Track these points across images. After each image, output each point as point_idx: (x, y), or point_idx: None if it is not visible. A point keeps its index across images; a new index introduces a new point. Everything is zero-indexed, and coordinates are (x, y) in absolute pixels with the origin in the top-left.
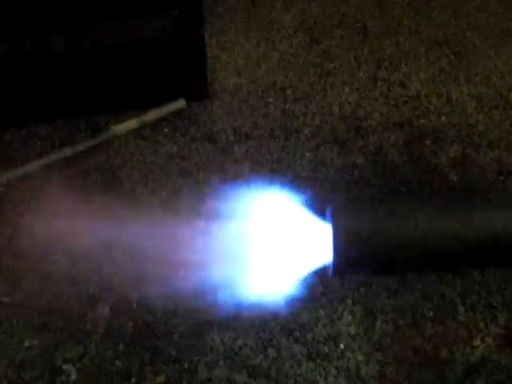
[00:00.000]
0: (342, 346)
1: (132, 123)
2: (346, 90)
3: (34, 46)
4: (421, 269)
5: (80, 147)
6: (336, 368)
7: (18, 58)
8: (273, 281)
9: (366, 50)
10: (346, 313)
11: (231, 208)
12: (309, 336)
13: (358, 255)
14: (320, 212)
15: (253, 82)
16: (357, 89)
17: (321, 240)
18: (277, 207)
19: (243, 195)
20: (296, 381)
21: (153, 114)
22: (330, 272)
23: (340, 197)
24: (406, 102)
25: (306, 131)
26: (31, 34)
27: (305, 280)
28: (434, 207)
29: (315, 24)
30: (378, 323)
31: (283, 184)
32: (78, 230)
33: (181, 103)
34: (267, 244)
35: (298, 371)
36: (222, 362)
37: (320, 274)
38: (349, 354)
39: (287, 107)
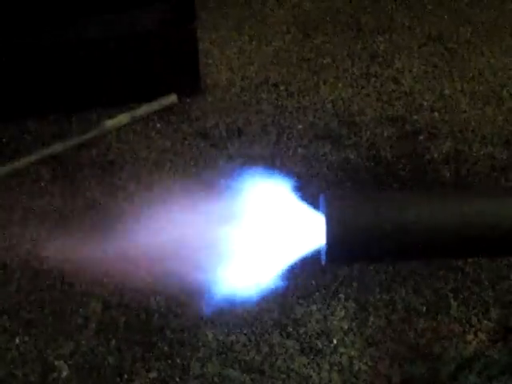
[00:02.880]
0: (334, 341)
1: (123, 118)
2: (339, 85)
3: (23, 40)
4: (415, 257)
5: (71, 142)
6: (329, 363)
7: (7, 53)
8: (264, 274)
9: (359, 45)
10: (338, 308)
11: (224, 202)
12: (302, 331)
13: (351, 242)
14: (313, 202)
15: (245, 77)
16: (350, 85)
17: (314, 229)
18: (269, 199)
19: (236, 189)
20: (289, 376)
21: (144, 109)
22: (323, 259)
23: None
24: (399, 97)
25: (299, 127)
26: (19, 28)
27: (298, 275)
28: (434, 195)
29: (308, 20)
30: (371, 318)
31: (276, 177)
32: (69, 226)
33: (172, 98)
34: (260, 236)
35: (291, 366)
36: (214, 358)
37: (312, 269)
38: (342, 349)
39: (280, 103)
